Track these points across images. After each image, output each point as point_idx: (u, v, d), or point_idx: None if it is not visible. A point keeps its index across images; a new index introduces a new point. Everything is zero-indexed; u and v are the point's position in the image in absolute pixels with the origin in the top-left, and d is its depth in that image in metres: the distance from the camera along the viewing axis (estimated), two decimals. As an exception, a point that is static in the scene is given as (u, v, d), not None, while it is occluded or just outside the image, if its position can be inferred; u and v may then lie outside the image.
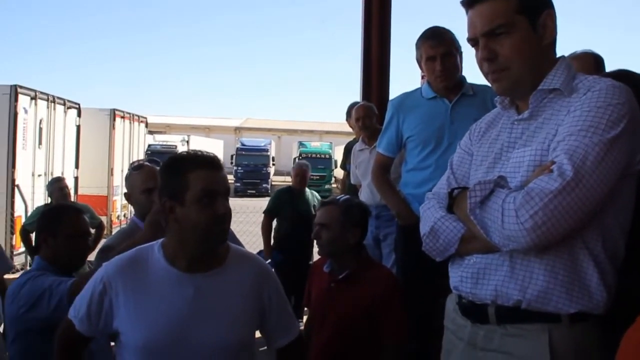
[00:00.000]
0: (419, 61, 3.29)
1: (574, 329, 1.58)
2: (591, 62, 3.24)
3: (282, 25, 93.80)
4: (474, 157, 1.87)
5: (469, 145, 1.93)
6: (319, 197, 6.87)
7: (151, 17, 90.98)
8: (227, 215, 1.91)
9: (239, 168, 32.14)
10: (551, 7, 1.70)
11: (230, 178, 32.93)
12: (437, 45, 3.16)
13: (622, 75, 2.24)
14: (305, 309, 3.30)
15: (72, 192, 9.16)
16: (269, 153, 33.85)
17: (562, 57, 1.73)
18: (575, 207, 1.48)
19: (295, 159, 32.79)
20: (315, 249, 6.48)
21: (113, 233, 11.00)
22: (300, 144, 34.63)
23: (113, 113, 14.63)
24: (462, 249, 1.73)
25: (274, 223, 6.71)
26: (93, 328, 1.94)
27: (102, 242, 2.92)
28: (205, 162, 1.90)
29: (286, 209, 6.52)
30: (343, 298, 2.81)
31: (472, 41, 1.73)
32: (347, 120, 6.16)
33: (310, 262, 6.38)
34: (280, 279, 2.18)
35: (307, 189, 6.82)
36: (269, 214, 6.63)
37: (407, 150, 3.36)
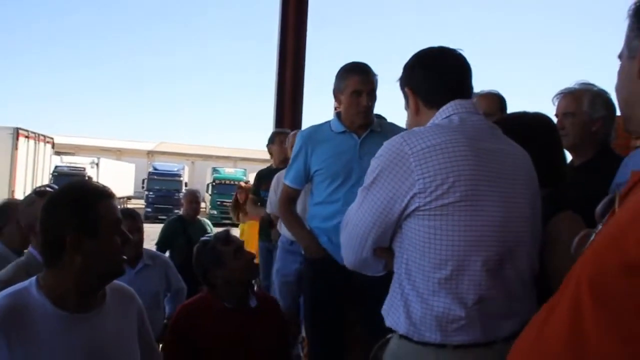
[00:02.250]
0: (337, 92, 3.27)
1: (399, 341, 1.86)
2: (496, 101, 3.44)
3: (195, 52, 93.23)
4: None
5: None
6: (212, 226, 6.64)
7: (57, 32, 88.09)
8: (127, 243, 1.92)
9: (150, 193, 31.45)
10: (407, 84, 2.04)
11: (141, 203, 32.23)
12: (366, 81, 3.18)
13: (505, 119, 2.44)
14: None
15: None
16: (181, 178, 33.32)
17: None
18: (347, 242, 1.98)
19: (208, 185, 32.43)
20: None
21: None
22: (214, 169, 34.28)
23: (16, 132, 14.00)
24: None
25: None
26: None
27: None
28: (108, 193, 1.90)
29: (178, 239, 6.19)
30: (260, 328, 2.89)
31: None
32: (268, 146, 6.01)
33: None
34: None
35: (200, 218, 6.58)
36: (160, 246, 6.25)
37: (315, 184, 3.33)
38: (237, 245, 2.96)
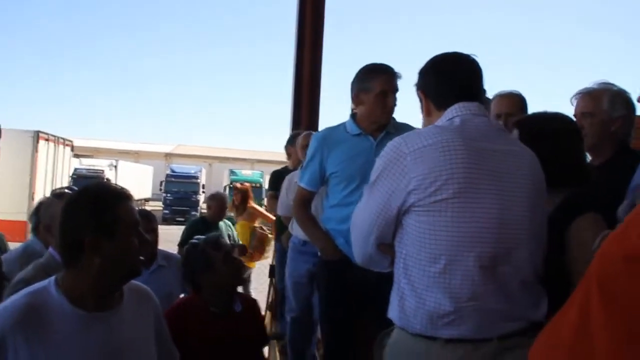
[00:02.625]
0: (360, 93, 3.20)
1: (398, 331, 1.99)
2: (517, 101, 3.42)
3: (214, 54, 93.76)
4: None
5: None
6: (232, 226, 6.76)
7: (78, 38, 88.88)
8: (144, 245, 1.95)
9: (168, 195, 31.68)
10: (420, 87, 2.17)
11: (159, 205, 32.41)
12: (392, 81, 3.16)
13: (526, 118, 2.45)
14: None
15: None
16: (199, 180, 33.50)
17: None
18: (354, 238, 2.13)
19: (225, 187, 32.52)
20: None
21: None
22: (231, 172, 34.38)
23: (37, 135, 14.16)
24: None
25: None
26: None
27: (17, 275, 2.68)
28: (126, 195, 1.91)
29: None
30: (243, 332, 2.92)
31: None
32: (287, 147, 6.00)
33: None
34: None
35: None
36: (183, 247, 6.32)
37: (330, 186, 3.30)
38: (227, 250, 2.97)
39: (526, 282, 1.90)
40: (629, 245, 0.93)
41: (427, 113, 2.14)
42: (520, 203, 1.90)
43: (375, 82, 3.15)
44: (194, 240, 3.08)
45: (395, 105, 3.20)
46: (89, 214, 1.80)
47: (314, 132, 5.24)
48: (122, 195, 1.89)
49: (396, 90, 3.19)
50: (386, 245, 2.03)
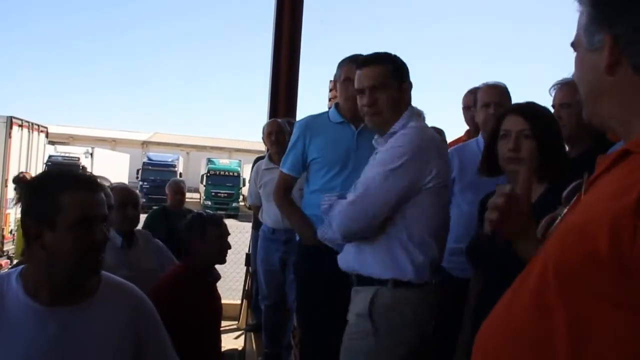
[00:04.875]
0: (335, 82, 3.32)
1: (394, 290, 2.38)
2: (506, 92, 3.40)
3: (192, 40, 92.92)
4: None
5: None
6: None
7: (52, 23, 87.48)
8: (104, 243, 1.77)
9: (145, 183, 31.34)
10: (408, 79, 2.58)
11: (135, 193, 32.38)
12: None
13: (528, 108, 2.45)
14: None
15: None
16: (176, 169, 33.23)
17: (410, 107, 2.55)
18: (360, 214, 2.38)
19: (203, 175, 32.34)
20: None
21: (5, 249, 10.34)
22: (209, 160, 34.21)
23: (10, 121, 13.85)
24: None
25: None
26: None
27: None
28: (82, 183, 1.73)
29: (160, 230, 5.83)
30: (218, 298, 3.30)
31: (359, 91, 2.58)
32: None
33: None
34: None
35: (186, 208, 6.39)
36: None
37: (312, 172, 3.35)
38: (222, 229, 3.19)
39: None
40: (591, 248, 0.90)
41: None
42: None
43: (342, 70, 3.25)
44: (200, 212, 3.27)
45: None
46: (33, 200, 1.70)
47: (279, 120, 5.28)
48: (77, 184, 1.71)
49: None
50: None
